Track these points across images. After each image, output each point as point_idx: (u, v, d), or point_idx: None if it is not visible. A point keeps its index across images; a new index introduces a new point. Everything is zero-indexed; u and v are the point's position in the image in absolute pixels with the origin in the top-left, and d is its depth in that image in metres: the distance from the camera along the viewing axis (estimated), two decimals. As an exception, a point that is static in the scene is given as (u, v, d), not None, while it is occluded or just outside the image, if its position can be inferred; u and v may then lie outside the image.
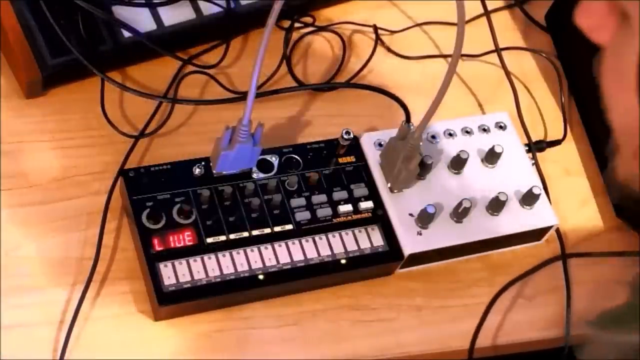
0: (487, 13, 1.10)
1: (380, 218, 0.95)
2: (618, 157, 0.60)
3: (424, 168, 0.97)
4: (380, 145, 0.98)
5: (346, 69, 1.08)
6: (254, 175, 0.94)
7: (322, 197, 0.95)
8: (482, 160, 1.00)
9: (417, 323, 0.96)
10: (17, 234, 0.91)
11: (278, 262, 0.91)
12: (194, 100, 1.02)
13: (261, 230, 0.92)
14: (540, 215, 0.99)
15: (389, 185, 0.96)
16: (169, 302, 0.88)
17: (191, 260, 0.89)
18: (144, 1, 1.01)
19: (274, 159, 0.96)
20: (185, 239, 0.90)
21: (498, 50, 1.10)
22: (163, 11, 1.02)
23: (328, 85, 1.07)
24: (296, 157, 0.96)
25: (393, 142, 0.96)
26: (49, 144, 0.96)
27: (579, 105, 1.13)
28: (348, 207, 0.95)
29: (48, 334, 0.87)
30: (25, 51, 0.95)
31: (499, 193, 0.97)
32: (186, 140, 1.00)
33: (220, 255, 0.90)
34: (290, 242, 0.92)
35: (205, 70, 1.03)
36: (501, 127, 1.03)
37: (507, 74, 1.09)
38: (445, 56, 1.12)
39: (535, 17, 1.17)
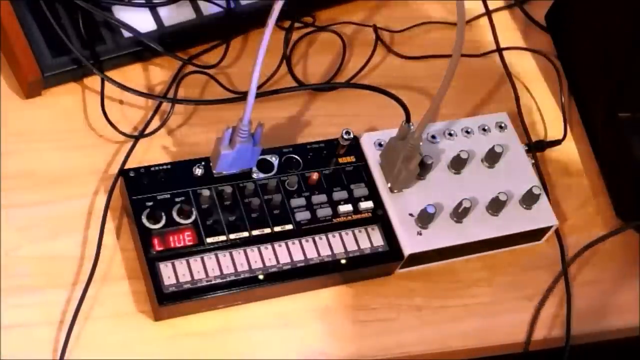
0: (488, 13, 1.09)
1: (380, 218, 0.95)
2: None
3: (424, 168, 0.97)
4: (380, 145, 0.98)
5: (346, 69, 1.08)
6: (254, 175, 0.94)
7: (322, 197, 0.95)
8: (482, 161, 1.00)
9: (417, 323, 0.96)
10: (17, 234, 0.91)
11: (278, 262, 0.91)
12: (194, 100, 1.02)
13: (261, 230, 0.92)
14: (540, 216, 0.99)
15: (389, 185, 0.97)
16: (169, 302, 0.88)
17: (191, 260, 0.89)
18: (144, 1, 1.01)
19: (274, 159, 0.96)
20: (185, 239, 0.90)
21: (499, 50, 1.10)
22: (163, 11, 1.02)
23: (328, 85, 1.07)
24: (296, 157, 0.96)
25: (393, 142, 0.96)
26: (49, 144, 0.96)
27: (579, 105, 1.13)
28: (348, 207, 0.95)
29: (48, 334, 0.87)
30: (25, 51, 0.95)
31: (499, 193, 0.97)
32: (186, 141, 1.00)
33: (220, 255, 0.90)
34: (290, 242, 0.92)
35: (205, 70, 1.03)
36: (501, 127, 1.03)
37: (509, 74, 1.09)
38: (445, 56, 1.12)
39: (535, 17, 1.17)
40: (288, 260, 0.92)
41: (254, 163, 0.94)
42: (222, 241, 0.91)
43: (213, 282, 0.89)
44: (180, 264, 0.89)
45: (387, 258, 0.94)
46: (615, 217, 1.06)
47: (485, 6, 1.09)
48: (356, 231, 0.94)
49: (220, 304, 0.91)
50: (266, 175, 0.95)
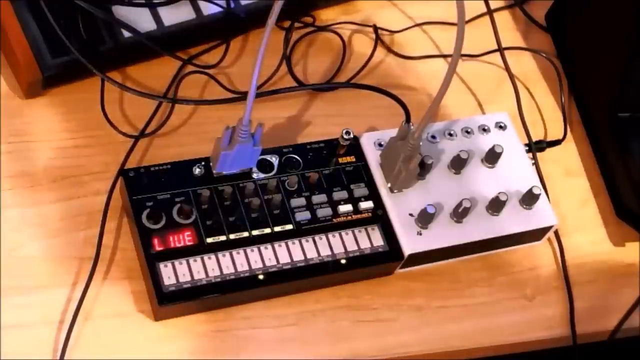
0: (490, 12, 1.09)
1: (380, 218, 0.95)
2: None
3: (424, 168, 0.97)
4: (380, 145, 0.98)
5: (346, 69, 1.08)
6: (254, 175, 0.94)
7: (322, 197, 0.95)
8: (482, 160, 1.00)
9: (417, 323, 0.96)
10: (17, 234, 0.91)
11: (278, 262, 0.91)
12: (194, 100, 1.02)
13: (261, 230, 0.92)
14: (540, 215, 0.99)
15: (389, 185, 0.97)
16: (169, 302, 0.88)
17: (191, 260, 0.89)
18: (144, 1, 1.01)
19: (274, 159, 0.96)
20: (185, 239, 0.90)
21: (501, 50, 1.09)
22: (163, 11, 1.02)
23: (328, 85, 1.07)
24: (296, 157, 0.96)
25: (393, 142, 0.96)
26: (49, 143, 0.96)
27: (579, 105, 1.13)
28: (348, 207, 0.95)
29: (48, 334, 0.87)
30: (25, 51, 0.95)
31: (499, 193, 0.97)
32: (186, 140, 1.00)
33: (220, 255, 0.90)
34: (290, 242, 0.92)
35: (205, 70, 1.03)
36: (501, 127, 1.03)
37: (510, 74, 1.09)
38: (445, 56, 1.12)
39: (535, 17, 1.17)
40: (288, 260, 0.92)
41: (254, 163, 0.94)
42: (222, 241, 0.91)
43: (213, 282, 0.89)
44: (180, 264, 0.89)
45: (387, 258, 0.94)
46: (615, 217, 1.06)
47: (487, 6, 1.09)
48: (356, 231, 0.94)
49: (220, 304, 0.91)
50: (266, 175, 0.95)
